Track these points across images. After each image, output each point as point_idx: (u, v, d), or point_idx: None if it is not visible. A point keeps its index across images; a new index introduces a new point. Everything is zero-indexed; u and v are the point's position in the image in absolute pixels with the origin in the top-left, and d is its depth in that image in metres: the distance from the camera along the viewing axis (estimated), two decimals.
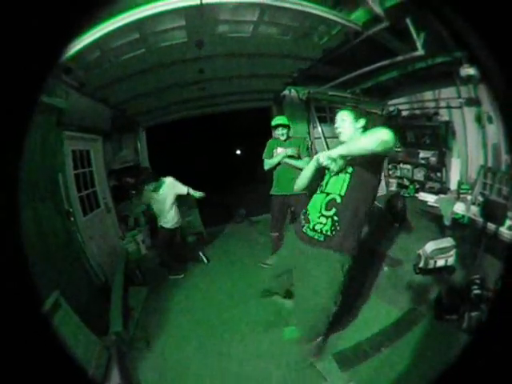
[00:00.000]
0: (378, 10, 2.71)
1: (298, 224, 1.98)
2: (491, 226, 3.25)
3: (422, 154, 5.58)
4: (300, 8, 2.59)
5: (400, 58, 3.59)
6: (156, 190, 3.47)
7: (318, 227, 1.77)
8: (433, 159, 5.37)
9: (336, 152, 1.60)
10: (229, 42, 3.06)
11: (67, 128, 3.30)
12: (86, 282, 3.03)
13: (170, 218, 3.53)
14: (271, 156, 3.40)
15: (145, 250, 4.44)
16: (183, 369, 2.21)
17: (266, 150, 3.48)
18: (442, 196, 4.51)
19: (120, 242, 4.16)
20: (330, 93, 5.43)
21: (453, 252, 3.09)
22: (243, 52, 3.37)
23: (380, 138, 1.49)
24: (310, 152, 5.10)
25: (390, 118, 5.89)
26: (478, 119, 4.39)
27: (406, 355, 2.11)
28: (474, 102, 4.37)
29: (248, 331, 2.54)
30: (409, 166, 5.93)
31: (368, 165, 1.72)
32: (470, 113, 4.53)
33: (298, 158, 3.31)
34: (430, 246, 3.11)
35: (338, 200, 1.75)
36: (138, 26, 2.45)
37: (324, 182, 1.88)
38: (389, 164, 6.26)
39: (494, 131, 4.14)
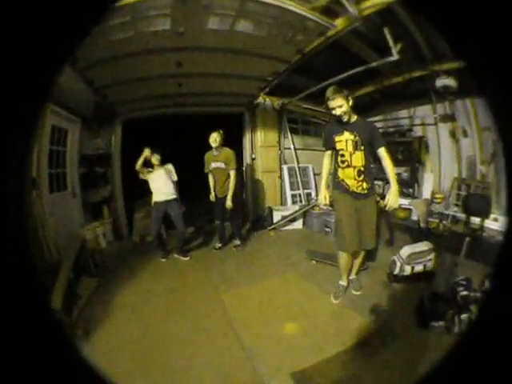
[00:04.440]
0: (353, 11, 2.70)
1: (340, 190, 2.53)
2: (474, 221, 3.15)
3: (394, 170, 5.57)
4: (278, 3, 2.61)
5: (374, 63, 3.59)
6: (155, 169, 3.62)
7: (359, 188, 2.45)
8: (405, 174, 5.29)
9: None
10: (208, 34, 2.99)
11: (54, 101, 3.38)
12: (39, 257, 2.98)
13: (162, 191, 3.60)
14: None
15: (105, 244, 4.26)
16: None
17: None
18: (415, 199, 4.50)
19: (80, 229, 4.02)
20: (304, 106, 5.45)
21: (431, 256, 2.85)
22: (221, 46, 3.26)
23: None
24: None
25: None
26: (453, 134, 4.51)
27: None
28: (449, 117, 4.48)
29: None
30: (380, 182, 5.90)
31: (369, 148, 2.39)
32: (444, 128, 4.63)
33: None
34: (405, 251, 2.83)
35: (363, 169, 2.41)
36: (131, 9, 2.44)
37: (346, 160, 2.44)
38: None
39: (469, 144, 4.27)
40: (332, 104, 2.29)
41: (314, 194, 5.60)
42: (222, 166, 3.72)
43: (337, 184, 2.57)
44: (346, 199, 2.52)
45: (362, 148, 2.38)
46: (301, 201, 5.43)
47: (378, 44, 3.43)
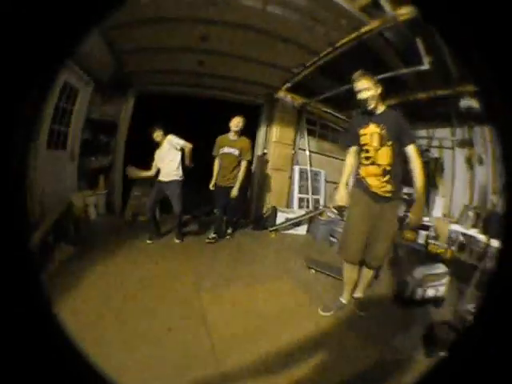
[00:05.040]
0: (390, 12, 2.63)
1: (360, 188, 2.24)
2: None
3: (405, 190, 5.35)
4: None
5: (404, 71, 3.42)
6: (158, 146, 3.49)
7: (382, 190, 2.15)
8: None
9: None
10: (241, 10, 2.85)
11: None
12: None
13: (164, 170, 3.46)
14: None
15: (94, 215, 4.06)
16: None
17: None
18: (437, 217, 4.32)
19: (70, 193, 3.81)
20: (324, 109, 5.23)
21: (445, 280, 2.59)
22: (251, 24, 3.08)
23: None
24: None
25: None
26: (469, 160, 4.32)
27: None
28: (466, 143, 4.32)
29: None
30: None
31: (398, 145, 2.09)
32: (461, 153, 4.47)
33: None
34: (420, 272, 2.58)
35: (389, 168, 2.10)
36: None
37: (370, 157, 2.15)
38: None
39: (484, 172, 4.09)
40: (357, 86, 2.06)
41: (322, 201, 5.32)
42: (236, 152, 3.57)
43: (357, 182, 2.28)
44: (365, 200, 2.21)
45: (390, 143, 2.07)
46: (308, 206, 5.15)
47: (407, 55, 3.29)
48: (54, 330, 0.78)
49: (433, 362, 1.57)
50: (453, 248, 3.68)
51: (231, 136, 3.57)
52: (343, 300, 2.41)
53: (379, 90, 2.07)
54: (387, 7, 2.62)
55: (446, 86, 3.71)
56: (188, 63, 3.81)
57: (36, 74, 0.70)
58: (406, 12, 2.60)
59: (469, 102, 3.71)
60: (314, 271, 3.14)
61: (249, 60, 3.71)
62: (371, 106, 2.07)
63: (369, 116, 2.14)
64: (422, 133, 5.17)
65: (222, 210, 3.76)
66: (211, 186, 3.72)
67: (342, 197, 2.20)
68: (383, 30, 2.93)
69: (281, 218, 4.59)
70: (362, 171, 2.23)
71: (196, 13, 2.92)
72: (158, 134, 3.43)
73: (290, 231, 4.58)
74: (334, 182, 5.63)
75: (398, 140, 2.07)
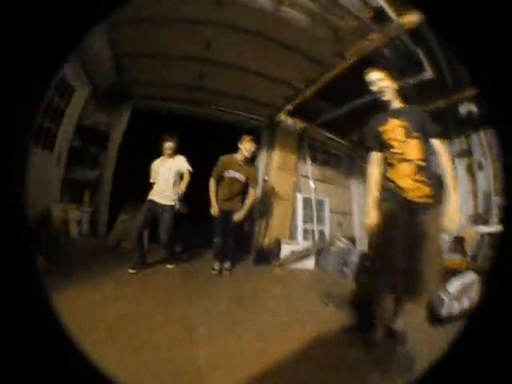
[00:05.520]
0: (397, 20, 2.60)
1: (390, 200, 1.84)
2: None
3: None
4: None
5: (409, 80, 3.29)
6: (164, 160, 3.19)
7: (417, 193, 1.75)
8: None
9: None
10: (249, 13, 2.72)
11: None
12: None
13: (161, 189, 3.11)
14: None
15: (76, 233, 3.63)
16: None
17: None
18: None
19: (52, 203, 3.41)
20: (325, 134, 5.08)
21: (477, 288, 2.22)
22: (257, 30, 2.97)
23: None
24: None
25: None
26: (469, 168, 4.29)
27: None
28: (465, 152, 4.32)
29: None
30: None
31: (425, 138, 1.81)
32: (460, 163, 4.41)
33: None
34: (454, 284, 2.22)
35: (422, 163, 1.77)
36: None
37: (397, 152, 1.81)
38: None
39: (485, 177, 4.10)
40: (370, 77, 1.86)
41: (327, 232, 4.88)
42: (242, 179, 3.29)
43: (386, 193, 1.86)
44: (398, 213, 1.78)
45: (416, 135, 1.77)
46: (313, 237, 4.68)
47: (406, 67, 3.22)
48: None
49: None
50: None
51: (239, 159, 3.27)
52: (376, 336, 1.89)
53: (395, 85, 1.87)
54: (392, 15, 2.57)
55: (444, 95, 3.70)
56: (188, 75, 3.63)
57: (36, 74, 0.70)
58: (410, 20, 2.57)
59: (468, 107, 3.72)
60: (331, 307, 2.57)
61: (252, 72, 3.54)
62: (387, 96, 1.85)
63: (386, 112, 1.89)
64: None
65: (222, 236, 3.31)
66: (213, 212, 3.24)
67: (373, 216, 1.82)
68: (388, 40, 2.88)
69: (285, 250, 4.09)
70: (391, 173, 1.84)
71: (200, 14, 2.80)
72: (170, 146, 3.12)
73: (297, 265, 4.04)
74: (339, 212, 5.32)
75: (423, 132, 1.79)
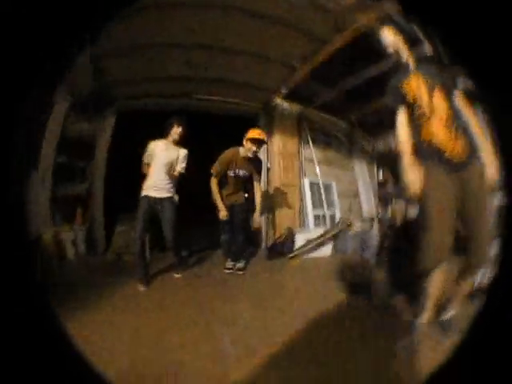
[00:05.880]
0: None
1: (432, 158, 1.63)
2: None
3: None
4: None
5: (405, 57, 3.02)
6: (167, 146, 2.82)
7: (455, 150, 1.59)
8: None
9: None
10: None
11: None
12: None
13: (155, 180, 2.76)
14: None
15: (72, 255, 3.38)
16: None
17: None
18: None
19: (41, 225, 3.11)
20: (323, 115, 4.83)
21: None
22: (249, 7, 2.67)
23: None
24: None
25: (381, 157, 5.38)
26: None
27: None
28: None
29: None
30: None
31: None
32: None
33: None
34: None
35: (452, 117, 1.64)
36: None
37: (423, 109, 1.67)
38: None
39: None
40: (387, 38, 1.75)
41: (338, 216, 4.64)
42: (247, 175, 3.09)
43: (426, 151, 1.64)
44: (443, 174, 1.59)
45: (440, 87, 1.64)
46: (324, 223, 4.44)
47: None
48: None
49: None
50: None
51: (246, 154, 2.99)
52: (423, 321, 1.70)
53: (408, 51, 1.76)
54: None
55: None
56: (174, 64, 3.28)
57: (36, 73, 0.76)
58: None
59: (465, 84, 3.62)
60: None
61: (244, 53, 3.24)
62: (404, 57, 1.75)
63: (405, 72, 1.75)
64: None
65: (229, 232, 3.19)
66: (222, 216, 3.04)
67: (415, 178, 1.60)
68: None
69: (300, 240, 3.84)
70: (424, 133, 1.64)
71: None
72: (176, 132, 2.80)
73: (313, 254, 3.79)
74: (348, 196, 5.10)
75: (446, 88, 1.64)
